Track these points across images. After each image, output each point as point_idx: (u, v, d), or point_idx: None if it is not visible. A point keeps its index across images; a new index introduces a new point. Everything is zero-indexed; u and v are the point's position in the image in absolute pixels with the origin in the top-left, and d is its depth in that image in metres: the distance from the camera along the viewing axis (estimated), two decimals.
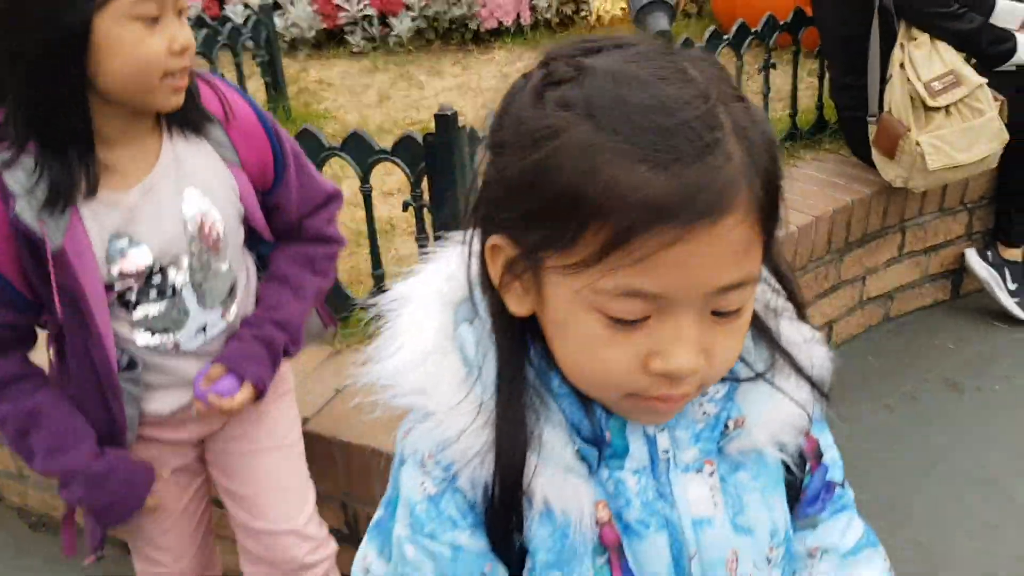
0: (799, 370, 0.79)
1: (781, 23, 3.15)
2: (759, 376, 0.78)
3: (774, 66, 3.15)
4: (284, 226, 1.57)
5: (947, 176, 2.85)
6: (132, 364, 1.44)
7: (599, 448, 0.75)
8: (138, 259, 1.36)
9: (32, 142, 1.26)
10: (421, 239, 2.09)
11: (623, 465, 0.76)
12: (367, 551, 0.90)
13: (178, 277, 1.42)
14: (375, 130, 3.71)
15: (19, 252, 1.31)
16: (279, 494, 1.65)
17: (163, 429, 1.55)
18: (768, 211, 0.65)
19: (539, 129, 0.64)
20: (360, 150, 2.04)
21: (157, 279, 1.40)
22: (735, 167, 0.62)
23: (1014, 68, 2.89)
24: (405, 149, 1.97)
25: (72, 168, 1.27)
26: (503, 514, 0.74)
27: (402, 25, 4.70)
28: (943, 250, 3.26)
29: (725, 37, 3.03)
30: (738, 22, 3.06)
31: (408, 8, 4.73)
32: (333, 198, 1.61)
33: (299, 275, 1.58)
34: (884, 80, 2.83)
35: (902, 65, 2.77)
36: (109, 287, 1.37)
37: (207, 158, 1.42)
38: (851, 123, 3.04)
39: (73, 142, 1.28)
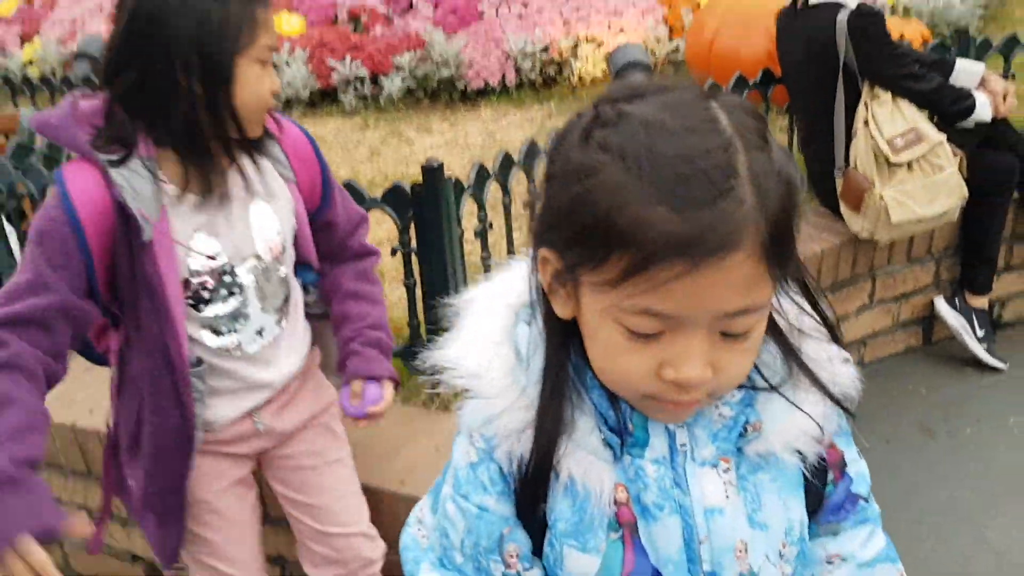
0: (819, 385, 0.86)
1: (750, 82, 3.32)
2: (772, 388, 0.86)
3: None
4: (331, 246, 1.72)
5: (911, 228, 2.98)
6: (199, 362, 1.54)
7: (622, 437, 0.85)
8: (214, 257, 1.50)
9: (147, 144, 1.41)
10: (409, 284, 2.19)
11: (643, 454, 0.86)
12: (423, 504, 1.05)
13: (246, 277, 1.54)
14: (367, 184, 3.84)
15: (114, 242, 1.41)
16: (348, 500, 1.79)
17: (227, 444, 1.65)
18: (776, 248, 0.72)
19: (581, 166, 0.74)
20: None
21: (227, 278, 1.52)
22: (745, 211, 0.70)
23: (973, 125, 3.03)
24: (394, 198, 2.08)
25: (189, 173, 1.45)
26: (533, 483, 0.86)
27: (393, 85, 4.87)
28: (913, 298, 3.38)
29: None
30: (708, 81, 3.22)
31: (398, 69, 4.91)
32: (365, 218, 1.79)
33: (364, 287, 1.73)
34: (849, 136, 2.97)
35: (866, 122, 2.91)
36: (185, 284, 1.49)
37: (269, 174, 1.57)
38: (819, 176, 3.17)
39: (203, 151, 1.44)
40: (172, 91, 1.38)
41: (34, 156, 2.85)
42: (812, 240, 3.10)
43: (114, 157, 1.38)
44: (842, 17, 2.90)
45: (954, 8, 5.44)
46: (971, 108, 3.00)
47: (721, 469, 0.87)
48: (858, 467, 0.97)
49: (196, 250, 1.47)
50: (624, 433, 0.85)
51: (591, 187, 0.73)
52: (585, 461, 0.85)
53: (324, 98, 5.01)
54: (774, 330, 0.85)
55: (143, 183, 1.39)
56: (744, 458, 0.88)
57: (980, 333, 3.22)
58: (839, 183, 3.02)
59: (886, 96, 2.92)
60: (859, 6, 2.91)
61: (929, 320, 3.43)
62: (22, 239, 3.08)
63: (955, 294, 3.31)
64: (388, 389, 1.68)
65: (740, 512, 0.87)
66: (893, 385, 3.25)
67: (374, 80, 4.95)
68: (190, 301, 1.51)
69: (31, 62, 5.77)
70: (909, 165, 2.90)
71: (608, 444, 0.85)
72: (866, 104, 2.92)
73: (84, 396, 2.50)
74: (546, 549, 0.89)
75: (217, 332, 1.55)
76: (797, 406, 0.86)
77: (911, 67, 2.94)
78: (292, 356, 1.68)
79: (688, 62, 4.62)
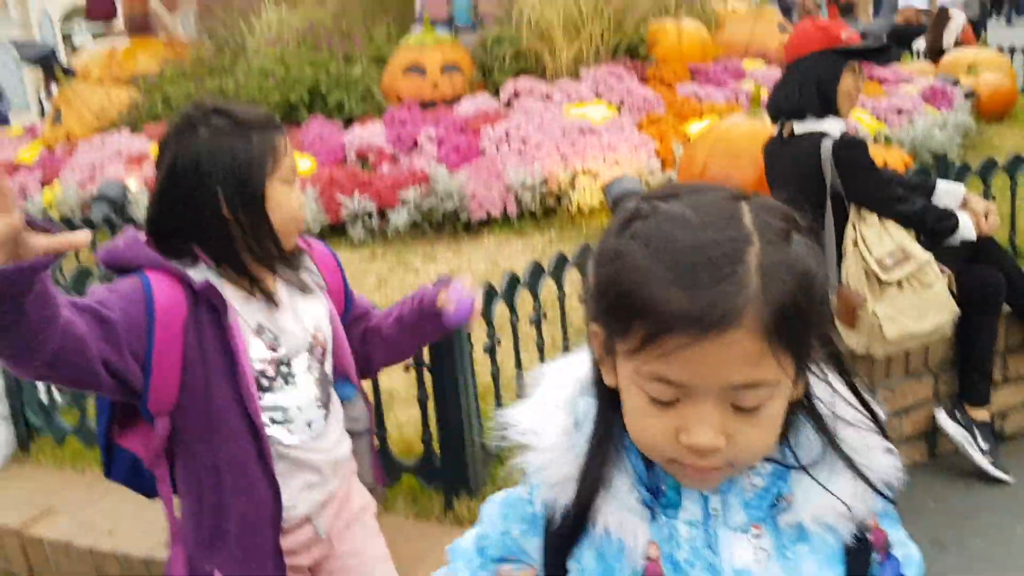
0: (851, 466, 0.91)
1: None
2: (800, 467, 0.92)
3: None
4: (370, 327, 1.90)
5: (906, 344, 3.07)
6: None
7: (656, 497, 0.93)
8: (274, 349, 1.66)
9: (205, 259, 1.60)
10: (421, 398, 2.27)
11: (677, 515, 0.93)
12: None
13: (300, 369, 1.70)
14: None
15: (184, 343, 1.56)
16: None
17: (292, 555, 1.72)
18: (781, 331, 0.81)
19: (615, 251, 0.86)
20: None
21: (284, 368, 1.68)
22: (746, 294, 0.80)
23: (959, 243, 3.17)
24: None
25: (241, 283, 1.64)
26: (571, 530, 0.95)
27: (399, 218, 5.07)
28: (914, 412, 3.43)
29: None
30: None
31: (404, 203, 5.11)
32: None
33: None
34: (840, 257, 3.10)
35: (855, 243, 3.05)
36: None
37: (305, 284, 1.73)
38: None
39: (244, 264, 1.62)
40: (218, 223, 1.57)
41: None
42: None
43: (184, 264, 1.58)
44: (827, 145, 3.08)
45: (934, 137, 5.71)
46: (955, 227, 3.14)
47: (752, 535, 0.92)
48: (907, 551, 1.01)
49: (261, 340, 1.64)
50: (658, 494, 0.93)
51: (619, 268, 0.85)
52: (621, 516, 0.93)
53: (333, 231, 5.20)
54: (811, 413, 0.92)
55: (215, 280, 1.60)
56: (781, 528, 0.93)
57: (984, 446, 3.26)
58: (833, 301, 3.13)
59: (873, 218, 3.07)
60: (843, 135, 3.10)
61: (932, 434, 3.47)
62: None
63: (955, 407, 3.36)
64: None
65: (797, 569, 0.92)
66: (902, 499, 3.25)
67: (381, 214, 5.15)
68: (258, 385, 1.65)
69: (51, 206, 6.00)
70: (899, 283, 3.01)
71: (645, 504, 0.93)
72: (854, 226, 3.06)
73: (102, 519, 2.54)
74: None
75: (273, 421, 1.67)
76: (822, 484, 0.91)
77: (895, 190, 3.10)
78: (340, 447, 1.79)
79: None
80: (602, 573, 0.94)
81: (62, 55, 8.18)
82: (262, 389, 1.66)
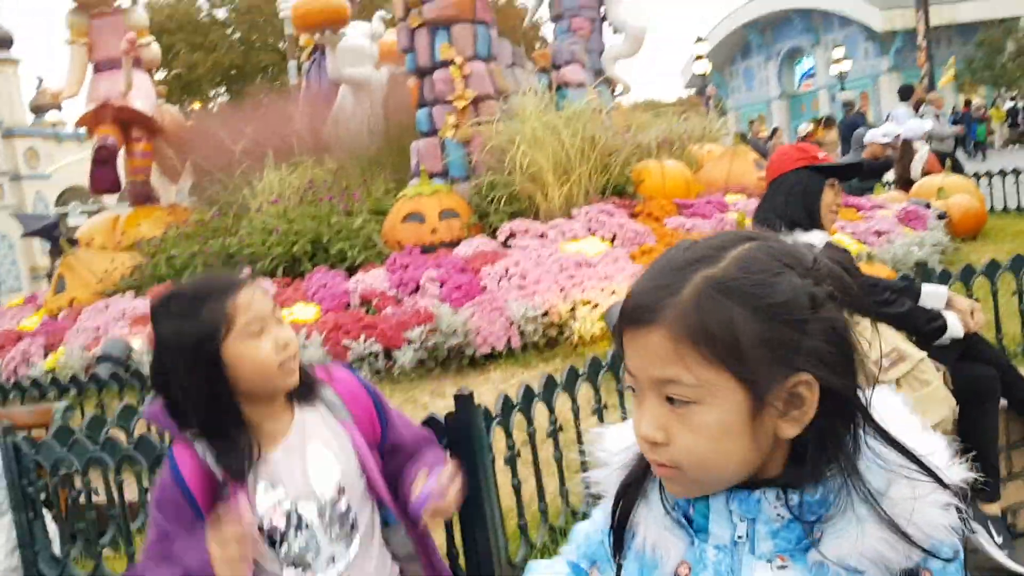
0: (876, 513, 0.92)
1: None
2: (796, 518, 0.96)
3: None
4: (402, 466, 1.91)
5: None
6: None
7: (689, 522, 1.02)
8: (281, 502, 1.74)
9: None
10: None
11: (707, 540, 1.00)
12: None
13: (309, 514, 1.75)
14: None
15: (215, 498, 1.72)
16: None
17: None
18: (701, 342, 0.92)
19: None
20: None
21: (293, 517, 1.74)
22: (672, 302, 0.93)
23: (949, 342, 3.26)
24: (429, 428, 2.25)
25: (235, 447, 1.72)
26: (617, 528, 1.09)
27: (405, 357, 5.16)
28: None
29: None
30: None
31: (410, 342, 5.22)
32: (430, 439, 2.01)
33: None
34: None
35: None
36: (260, 528, 1.73)
37: (324, 418, 1.80)
38: None
39: (232, 431, 1.72)
40: (194, 391, 1.68)
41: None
42: None
43: (193, 435, 1.72)
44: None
45: (913, 254, 5.92)
46: (944, 327, 3.25)
47: (776, 565, 0.96)
48: None
49: (261, 498, 1.73)
50: (689, 519, 1.02)
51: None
52: (659, 533, 1.03)
53: None
54: (839, 463, 0.95)
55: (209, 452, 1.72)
56: (808, 563, 0.95)
57: (999, 540, 3.25)
58: None
59: (865, 322, 3.16)
60: (828, 244, 3.25)
61: None
62: (60, 526, 3.18)
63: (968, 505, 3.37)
64: (445, 471, 1.80)
65: None
66: None
67: (387, 354, 5.24)
68: (268, 541, 1.75)
69: (53, 369, 6.07)
70: (898, 382, 3.09)
71: (681, 526, 1.02)
72: None
73: None
74: None
75: (295, 565, 1.75)
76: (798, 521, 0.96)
77: (883, 294, 3.22)
78: (380, 573, 1.83)
79: None
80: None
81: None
82: (275, 541, 1.74)
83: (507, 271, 5.70)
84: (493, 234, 6.48)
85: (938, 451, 0.96)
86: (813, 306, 0.94)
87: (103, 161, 8.89)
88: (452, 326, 5.22)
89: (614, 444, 1.11)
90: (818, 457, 0.95)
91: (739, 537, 0.98)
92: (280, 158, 8.19)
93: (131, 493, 3.01)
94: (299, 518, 1.74)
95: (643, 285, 0.96)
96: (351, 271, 6.44)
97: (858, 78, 33.11)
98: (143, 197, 9.09)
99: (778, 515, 0.97)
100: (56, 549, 3.09)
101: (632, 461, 1.07)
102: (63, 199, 26.48)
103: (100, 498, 3.20)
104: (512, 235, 6.29)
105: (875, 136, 11.57)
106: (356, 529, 1.81)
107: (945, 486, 0.93)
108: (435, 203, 6.65)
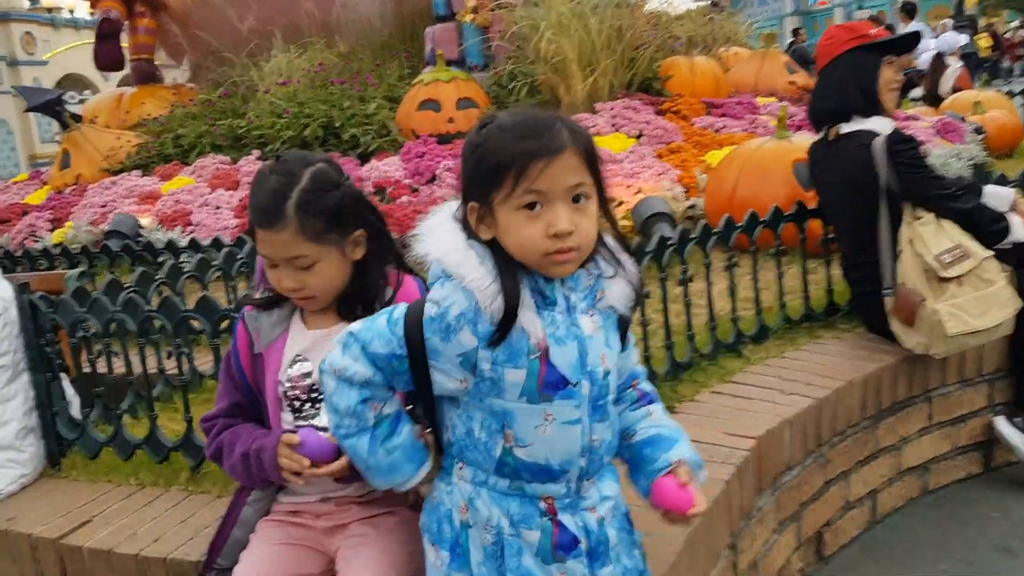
0: (627, 278, 1.56)
1: (762, 219, 3.42)
2: (610, 278, 1.54)
3: (784, 253, 3.40)
4: None
5: (967, 341, 2.99)
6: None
7: (545, 298, 1.48)
8: (305, 373, 1.82)
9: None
10: None
11: (554, 310, 1.49)
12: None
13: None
14: None
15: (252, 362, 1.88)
16: None
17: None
18: (588, 152, 1.43)
19: (476, 143, 1.45)
20: None
21: (314, 394, 1.81)
22: (565, 136, 1.41)
23: (1011, 246, 3.11)
24: None
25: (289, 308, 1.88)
26: (504, 326, 1.44)
27: None
28: (970, 420, 3.35)
29: (739, 225, 3.30)
30: (750, 212, 3.34)
31: None
32: None
33: None
34: (895, 256, 3.04)
35: (911, 241, 2.99)
36: (285, 395, 1.84)
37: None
38: (866, 299, 3.22)
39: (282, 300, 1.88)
40: None
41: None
42: (867, 360, 3.11)
43: (256, 307, 1.88)
44: (878, 143, 3.05)
45: (951, 166, 5.72)
46: (1006, 230, 3.09)
47: (589, 315, 1.52)
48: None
49: (290, 368, 1.83)
50: (545, 298, 1.48)
51: (487, 148, 1.42)
52: (528, 315, 1.46)
53: None
54: (609, 246, 1.55)
55: (268, 319, 1.86)
56: (600, 310, 1.54)
57: None
58: (888, 303, 3.06)
59: (928, 216, 3.01)
60: (895, 132, 3.07)
61: (987, 444, 3.38)
62: (79, 387, 3.05)
63: (1013, 414, 3.28)
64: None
65: (601, 339, 1.52)
66: (964, 511, 3.17)
67: (402, 244, 5.08)
68: (288, 407, 1.85)
69: (60, 243, 5.89)
70: (959, 280, 2.95)
71: (537, 305, 1.47)
72: (910, 224, 3.01)
73: (146, 528, 2.40)
74: (487, 374, 1.48)
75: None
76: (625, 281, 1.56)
77: (949, 187, 3.06)
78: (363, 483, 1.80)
79: (708, 214, 4.78)
80: (510, 355, 1.46)
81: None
82: (294, 411, 1.83)
83: None
84: None
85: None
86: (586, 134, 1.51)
87: (106, 36, 8.54)
88: None
89: (467, 262, 1.45)
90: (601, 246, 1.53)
91: (574, 304, 1.50)
92: (289, 39, 7.87)
93: (150, 362, 2.88)
94: (319, 395, 1.74)
95: (539, 135, 1.40)
96: (364, 158, 6.24)
97: None
98: (147, 76, 8.77)
99: (585, 285, 1.52)
100: (75, 412, 2.97)
101: (493, 280, 1.43)
102: (60, 87, 25.85)
103: (119, 365, 3.07)
104: None
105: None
106: None
107: (628, 250, 1.58)
108: (452, 91, 6.39)
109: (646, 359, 2.94)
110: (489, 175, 1.41)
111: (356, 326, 1.56)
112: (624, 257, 1.56)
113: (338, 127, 6.41)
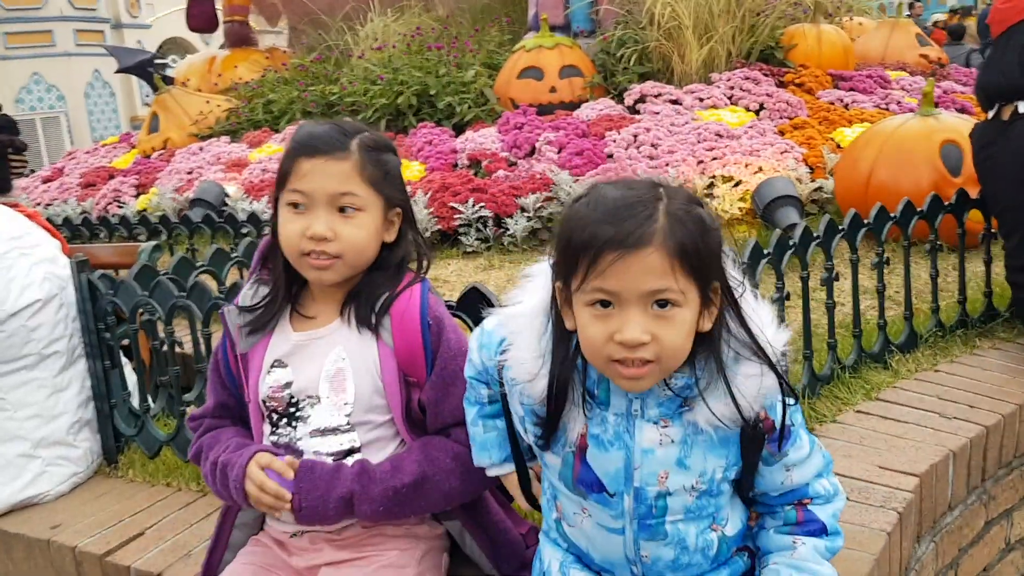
0: (729, 393, 1.27)
1: (919, 210, 2.94)
2: (700, 395, 1.28)
3: (940, 248, 2.91)
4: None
5: None
6: None
7: (592, 398, 1.32)
8: (285, 383, 1.60)
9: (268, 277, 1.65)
10: None
11: (607, 410, 1.32)
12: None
13: (306, 415, 1.59)
14: None
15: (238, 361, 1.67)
16: None
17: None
18: (683, 256, 1.19)
19: (565, 217, 1.26)
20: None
21: (292, 409, 1.60)
22: (655, 227, 1.18)
23: None
24: None
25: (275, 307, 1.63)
26: (551, 419, 1.33)
27: (517, 226, 4.62)
28: None
29: (866, 222, 2.82)
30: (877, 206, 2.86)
31: (523, 210, 4.68)
32: (460, 422, 1.63)
33: (416, 447, 1.62)
34: None
35: None
36: (264, 403, 1.62)
37: (368, 332, 1.60)
38: None
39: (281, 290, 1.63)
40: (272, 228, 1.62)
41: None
42: None
43: (244, 301, 1.65)
44: None
45: None
46: None
47: (660, 426, 1.31)
48: (799, 433, 1.37)
49: (273, 374, 1.61)
50: (593, 396, 1.32)
51: (569, 225, 1.24)
52: (568, 409, 1.32)
53: (444, 240, 4.78)
54: (715, 352, 1.27)
55: (250, 317, 1.62)
56: (684, 424, 1.30)
57: None
58: None
59: None
60: None
61: None
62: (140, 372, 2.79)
63: None
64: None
65: (671, 455, 1.31)
66: None
67: (497, 222, 4.72)
68: (267, 420, 1.63)
69: (144, 210, 5.73)
70: None
71: (584, 401, 1.32)
72: None
73: (201, 550, 2.10)
74: (533, 447, 1.41)
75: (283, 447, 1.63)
76: (706, 402, 1.28)
77: None
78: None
79: (839, 199, 4.28)
80: (551, 439, 1.35)
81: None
82: (272, 424, 1.62)
83: (636, 138, 5.06)
84: (619, 97, 5.79)
85: (777, 340, 1.30)
86: (714, 224, 1.24)
87: None
88: (572, 195, 4.65)
89: (526, 330, 1.35)
90: (700, 347, 1.28)
91: (635, 411, 1.31)
92: (387, 2, 7.55)
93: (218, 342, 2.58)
94: (297, 411, 1.59)
95: (621, 219, 1.19)
96: (459, 128, 5.89)
97: None
98: (241, 39, 8.58)
99: (665, 393, 1.30)
100: (135, 403, 2.71)
101: (545, 356, 1.31)
102: (162, 50, 26.32)
103: (186, 349, 2.79)
104: (641, 99, 5.59)
105: None
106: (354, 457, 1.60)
107: (765, 358, 1.28)
108: (556, 58, 5.96)
109: None
110: (567, 257, 1.24)
111: (491, 322, 1.48)
112: (745, 369, 1.28)
113: (433, 95, 6.06)
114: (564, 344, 1.30)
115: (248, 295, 1.65)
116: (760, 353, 1.27)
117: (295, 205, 1.53)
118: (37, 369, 2.45)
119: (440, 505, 1.61)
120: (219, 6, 8.86)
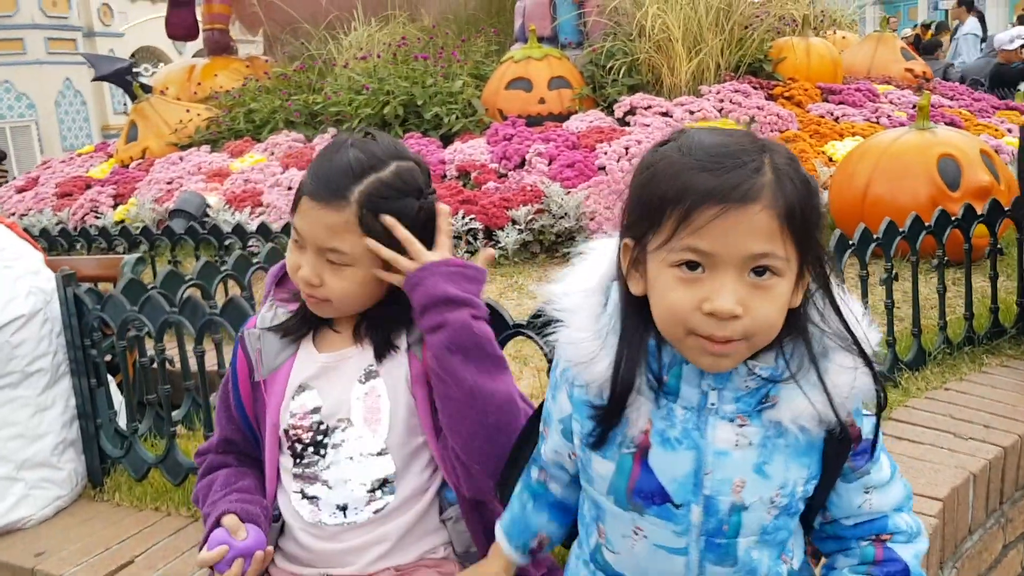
0: (820, 382, 1.09)
1: (928, 224, 2.90)
2: (791, 377, 1.10)
3: (948, 264, 2.87)
4: None
5: None
6: (277, 517, 1.52)
7: (660, 384, 1.13)
8: (313, 409, 1.48)
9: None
10: None
11: (676, 401, 1.13)
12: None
13: (338, 441, 1.47)
14: None
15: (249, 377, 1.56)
16: None
17: None
18: (790, 217, 1.02)
19: (647, 164, 1.08)
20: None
21: (321, 437, 1.48)
22: (764, 180, 1.02)
23: None
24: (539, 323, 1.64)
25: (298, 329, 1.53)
26: (607, 414, 1.13)
27: (508, 238, 4.54)
28: None
29: (876, 237, 2.78)
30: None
31: (514, 222, 4.60)
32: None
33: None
34: None
35: None
36: (285, 434, 1.50)
37: (402, 345, 1.51)
38: None
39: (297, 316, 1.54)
40: None
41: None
42: None
43: (262, 324, 1.55)
44: None
45: None
46: None
47: (737, 424, 1.11)
48: (881, 456, 1.21)
49: (298, 399, 1.50)
50: (661, 383, 1.12)
51: (654, 172, 1.06)
52: (633, 396, 1.12)
53: None
54: (803, 334, 1.10)
55: (273, 340, 1.52)
56: (764, 423, 1.11)
57: None
58: None
59: None
60: None
61: None
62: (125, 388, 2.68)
63: None
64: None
65: (749, 460, 1.11)
66: None
67: (487, 234, 4.64)
68: (289, 451, 1.50)
69: (123, 221, 5.59)
70: None
71: (651, 388, 1.13)
72: None
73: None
74: (579, 454, 1.22)
75: (303, 495, 1.49)
76: (805, 394, 1.09)
77: None
78: (380, 558, 1.46)
79: (834, 212, 4.23)
80: (603, 435, 1.15)
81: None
82: (294, 455, 1.49)
83: (627, 151, 4.99)
84: (609, 109, 5.74)
85: (870, 336, 1.13)
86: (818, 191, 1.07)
87: (181, 2, 8.25)
88: (564, 208, 4.59)
89: (581, 309, 1.15)
90: (789, 329, 1.09)
91: (712, 404, 1.11)
92: (371, 11, 7.46)
93: (210, 361, 2.48)
94: (326, 439, 1.47)
95: (724, 168, 1.01)
96: (446, 139, 5.80)
97: None
98: (221, 47, 8.44)
99: (746, 384, 1.11)
100: (122, 422, 2.59)
101: (604, 336, 1.13)
102: (135, 58, 26.02)
103: (175, 367, 2.68)
104: (632, 111, 5.54)
105: (1002, 41, 10.59)
106: (388, 491, 1.47)
107: (861, 351, 1.11)
108: (545, 69, 5.90)
109: None
110: (649, 209, 1.05)
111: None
112: (839, 359, 1.11)
113: (419, 105, 5.97)
114: (634, 317, 1.11)
115: (267, 318, 1.55)
116: (856, 345, 1.10)
117: (296, 240, 1.46)
118: (20, 387, 2.33)
119: (495, 415, 1.42)
120: (199, 14, 8.73)
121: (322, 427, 1.48)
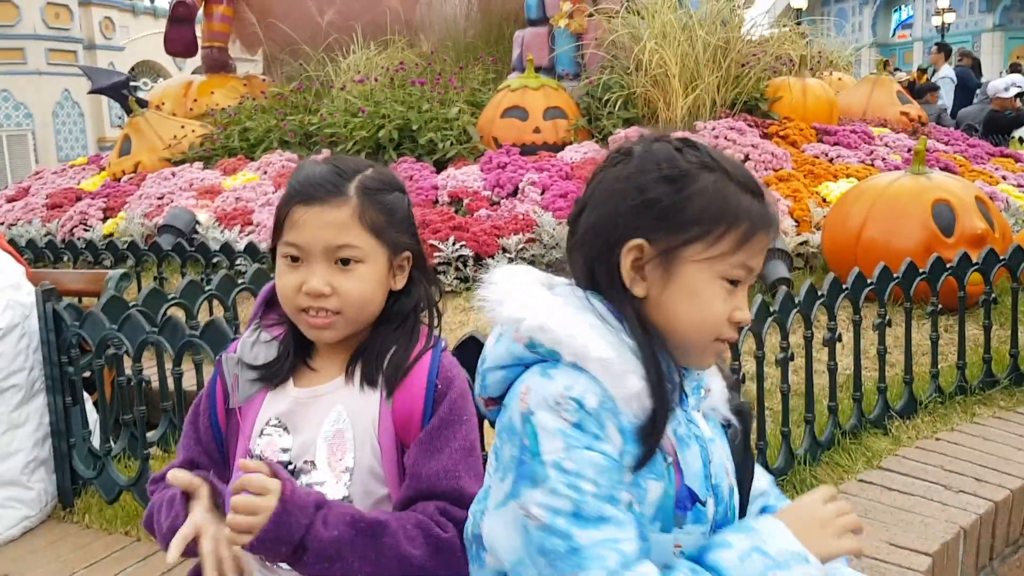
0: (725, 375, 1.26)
1: (921, 271, 2.89)
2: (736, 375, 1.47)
3: (940, 312, 2.84)
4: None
5: None
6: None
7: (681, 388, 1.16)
8: (282, 449, 1.42)
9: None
10: None
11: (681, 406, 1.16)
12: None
13: (303, 482, 1.39)
14: None
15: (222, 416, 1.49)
16: None
17: None
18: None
19: (683, 167, 1.11)
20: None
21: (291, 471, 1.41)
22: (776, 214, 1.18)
23: None
24: None
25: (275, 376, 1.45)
26: (655, 436, 1.09)
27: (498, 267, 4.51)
28: None
29: (863, 284, 2.75)
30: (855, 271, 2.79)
31: (505, 251, 4.57)
32: (441, 509, 1.39)
33: (394, 521, 1.37)
34: None
35: None
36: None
37: (368, 401, 1.43)
38: None
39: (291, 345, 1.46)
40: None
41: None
42: None
43: (243, 348, 1.47)
44: None
45: None
46: None
47: (701, 414, 1.20)
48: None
49: (266, 437, 1.43)
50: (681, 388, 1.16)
51: (703, 186, 1.09)
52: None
53: None
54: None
55: (246, 371, 1.45)
56: (706, 411, 1.21)
57: None
58: None
59: None
60: None
61: None
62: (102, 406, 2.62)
63: None
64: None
65: (722, 446, 1.21)
66: None
67: (477, 260, 4.60)
68: None
69: (111, 235, 5.54)
70: None
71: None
72: None
73: None
74: (633, 492, 1.10)
75: None
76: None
77: None
78: None
79: (827, 253, 4.22)
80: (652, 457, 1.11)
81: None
82: None
83: None
84: (603, 141, 5.74)
85: None
86: None
87: (180, 19, 8.24)
88: (555, 238, 4.55)
89: (590, 337, 1.08)
90: None
91: (693, 401, 1.18)
92: (369, 36, 7.47)
93: (189, 382, 2.43)
94: (293, 477, 1.38)
95: (762, 196, 1.14)
96: (440, 165, 5.78)
97: (958, 33, 30.80)
98: (219, 65, 8.44)
99: (696, 377, 1.20)
100: (96, 442, 2.53)
101: (628, 362, 1.08)
102: (134, 72, 26.05)
103: (152, 385, 2.62)
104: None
105: (997, 88, 10.66)
106: None
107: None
108: (541, 99, 5.90)
109: (783, 435, 2.40)
110: (696, 219, 1.08)
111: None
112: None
113: (415, 130, 5.95)
114: (641, 320, 1.12)
115: (248, 343, 1.48)
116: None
117: (292, 258, 1.40)
118: None
119: (394, 569, 1.35)
120: (199, 32, 8.72)
121: (290, 467, 1.42)
